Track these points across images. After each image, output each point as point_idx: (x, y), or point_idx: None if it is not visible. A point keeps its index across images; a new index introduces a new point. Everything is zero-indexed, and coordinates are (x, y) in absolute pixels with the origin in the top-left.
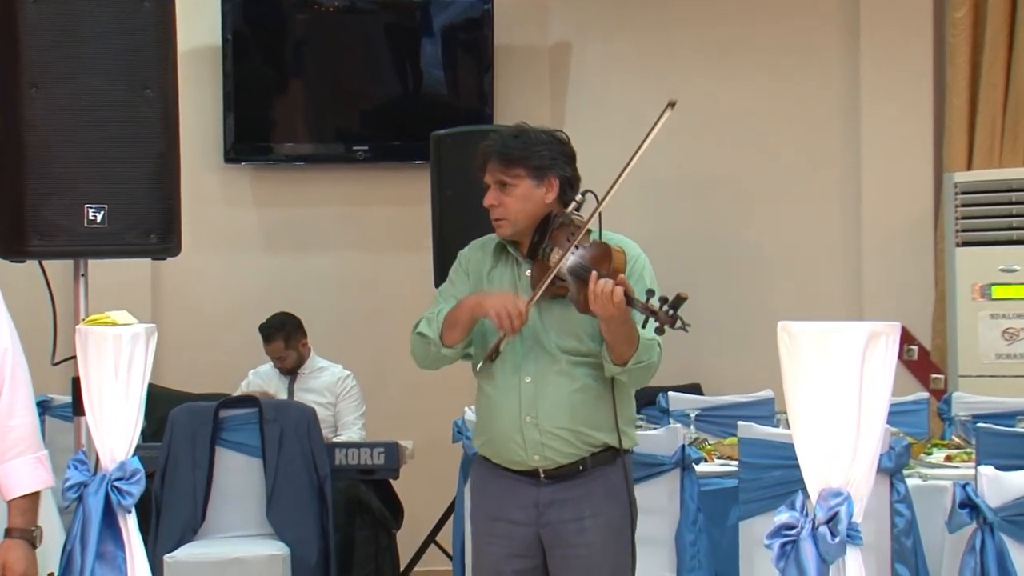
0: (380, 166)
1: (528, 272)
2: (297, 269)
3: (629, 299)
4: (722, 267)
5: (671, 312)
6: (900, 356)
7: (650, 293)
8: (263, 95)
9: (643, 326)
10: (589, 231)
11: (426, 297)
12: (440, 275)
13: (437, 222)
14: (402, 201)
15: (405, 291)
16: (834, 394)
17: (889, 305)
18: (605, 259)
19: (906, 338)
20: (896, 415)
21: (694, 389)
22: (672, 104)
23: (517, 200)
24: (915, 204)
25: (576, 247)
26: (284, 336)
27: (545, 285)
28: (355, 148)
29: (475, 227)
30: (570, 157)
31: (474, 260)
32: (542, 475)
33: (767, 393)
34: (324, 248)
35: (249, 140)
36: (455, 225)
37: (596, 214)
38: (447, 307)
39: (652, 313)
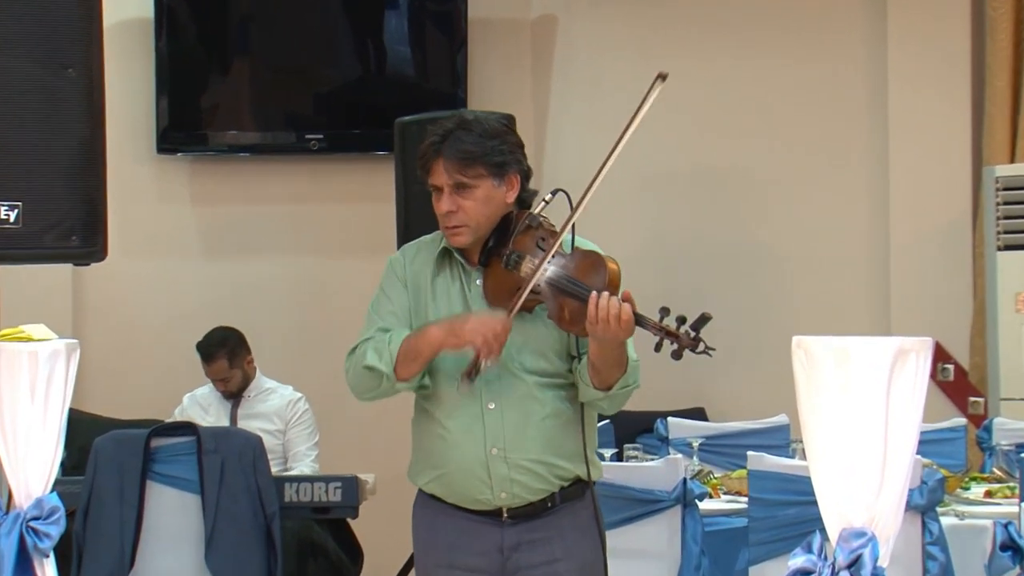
0: (337, 158)
1: (479, 282)
2: (241, 276)
3: (640, 319)
4: (729, 274)
5: (693, 334)
6: (933, 376)
7: (664, 311)
8: (202, 75)
9: (656, 349)
10: (556, 234)
11: None
12: None
13: (402, 222)
14: (362, 198)
15: (366, 302)
16: (857, 420)
17: (920, 317)
18: (597, 271)
19: (940, 355)
20: (928, 444)
21: (697, 414)
22: (663, 77)
23: (479, 204)
24: (950, 202)
25: (553, 255)
26: (227, 354)
27: (523, 298)
28: (308, 137)
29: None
30: (522, 147)
31: (412, 268)
32: (505, 514)
33: (781, 419)
34: (272, 252)
35: (185, 127)
36: (423, 225)
37: (573, 217)
38: (398, 333)
39: (669, 335)
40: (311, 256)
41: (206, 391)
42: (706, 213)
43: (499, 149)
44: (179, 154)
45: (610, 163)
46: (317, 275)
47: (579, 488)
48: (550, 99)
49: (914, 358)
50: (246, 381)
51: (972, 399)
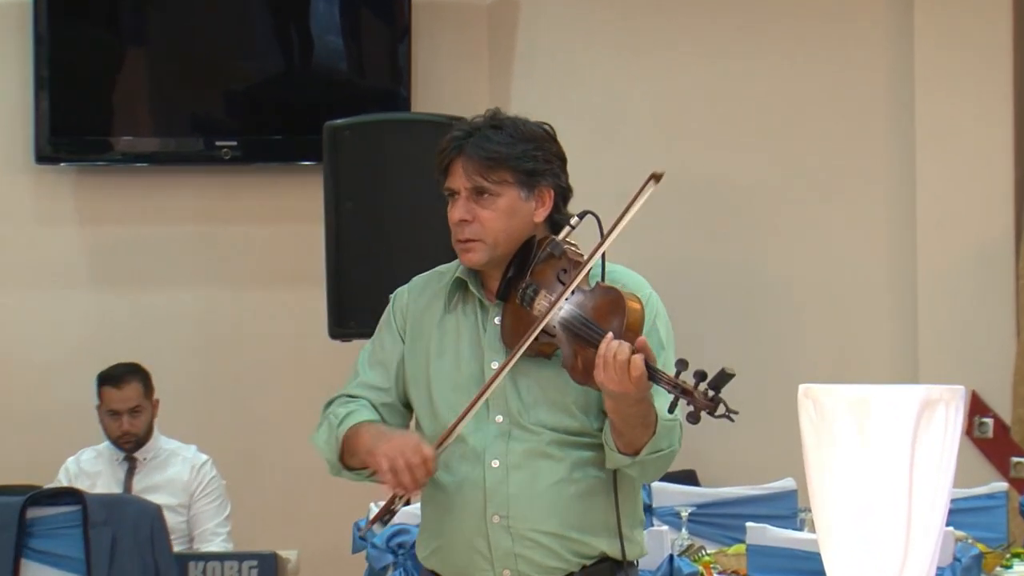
0: (254, 168)
1: (498, 320)
2: (137, 311)
3: (652, 372)
4: (726, 309)
5: (712, 394)
6: (968, 432)
7: (681, 364)
8: (91, 71)
9: (670, 410)
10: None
11: (316, 351)
12: (337, 319)
13: (333, 245)
14: (285, 217)
15: (287, 342)
16: (876, 484)
17: (953, 361)
18: (615, 312)
19: (976, 407)
20: (963, 513)
21: (687, 478)
22: (657, 178)
23: (499, 215)
24: (988, 224)
25: (572, 291)
26: (142, 380)
27: (525, 346)
28: (219, 144)
29: (385, 252)
30: (564, 161)
31: (415, 306)
32: None
33: (786, 483)
34: (175, 282)
35: (71, 132)
36: (357, 249)
37: (602, 247)
38: (355, 414)
39: (685, 394)
40: (222, 287)
41: (91, 456)
42: (697, 237)
43: (532, 155)
44: (63, 164)
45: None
46: (229, 310)
47: (607, 569)
48: (510, 99)
49: (944, 410)
50: (148, 432)
51: (1015, 460)
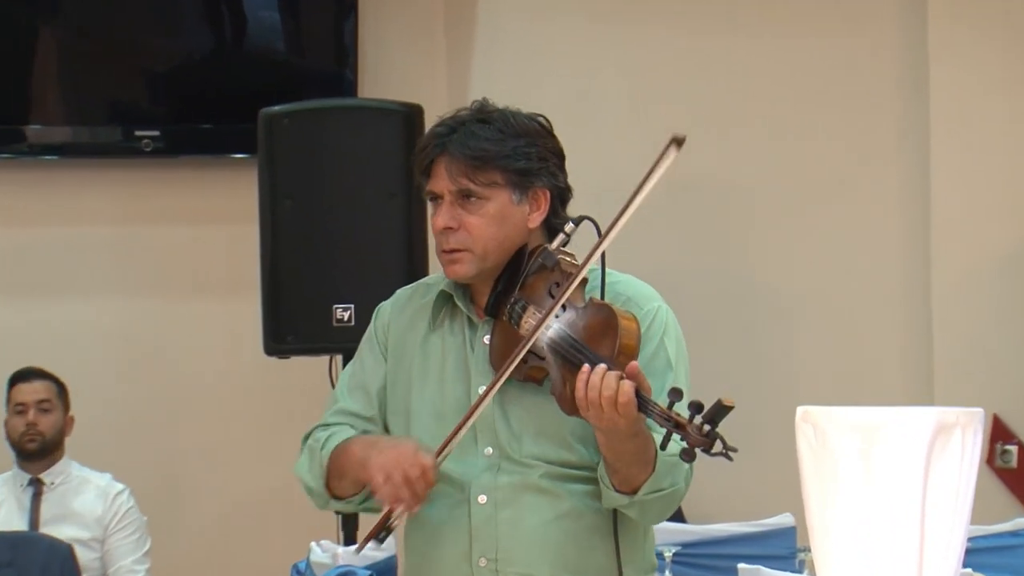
0: (179, 162)
1: (487, 339)
2: (46, 323)
3: (643, 403)
4: (715, 324)
5: (708, 428)
6: (989, 461)
7: (675, 394)
8: None
9: (662, 446)
10: (585, 280)
11: (249, 369)
12: (273, 333)
13: (269, 250)
14: (213, 217)
15: (216, 359)
16: (884, 519)
17: (971, 382)
18: (607, 332)
19: (999, 433)
20: (982, 553)
21: (673, 513)
22: (678, 142)
23: (489, 222)
24: (1012, 227)
25: (563, 307)
26: (56, 383)
27: (509, 370)
28: (139, 134)
29: (329, 258)
30: (561, 158)
31: (397, 323)
32: None
33: (784, 519)
34: (90, 290)
35: None
36: (297, 254)
37: (596, 254)
38: (338, 434)
39: (678, 428)
40: (143, 297)
41: None
42: (681, 243)
43: (524, 152)
44: None
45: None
46: (151, 323)
47: None
48: (470, 83)
49: (960, 436)
50: (57, 443)
51: None
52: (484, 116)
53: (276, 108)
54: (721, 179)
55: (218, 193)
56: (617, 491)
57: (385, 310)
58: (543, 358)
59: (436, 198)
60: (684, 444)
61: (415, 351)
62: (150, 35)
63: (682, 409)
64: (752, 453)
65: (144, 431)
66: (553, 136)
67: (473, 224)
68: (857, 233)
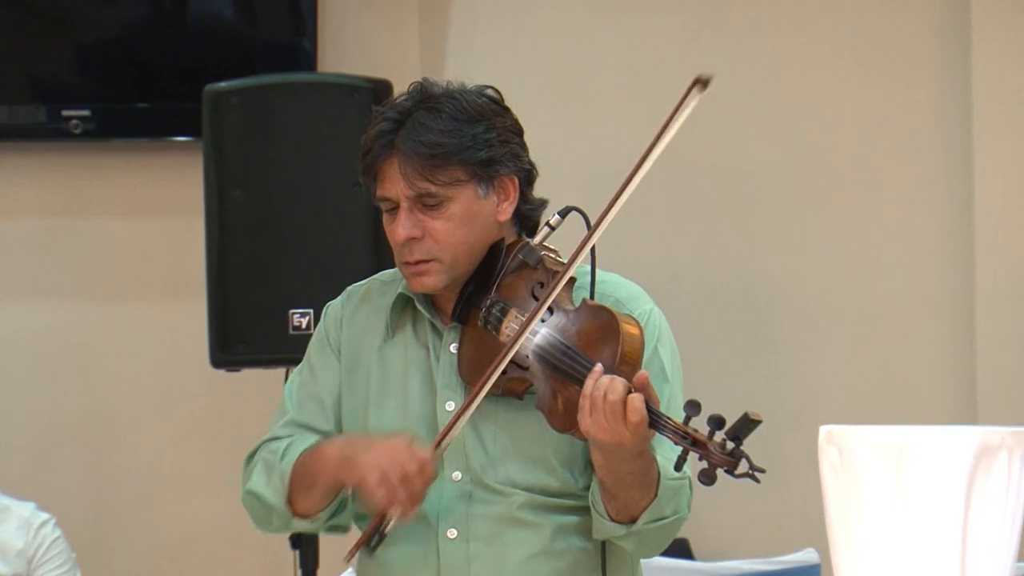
0: (113, 146)
1: (454, 347)
2: None
3: (655, 418)
4: (729, 334)
5: (732, 447)
6: None
7: (692, 407)
8: None
9: (677, 466)
10: (573, 279)
11: (193, 383)
12: (220, 342)
13: (216, 246)
14: (152, 209)
15: (156, 371)
16: (919, 554)
17: (1019, 399)
18: (607, 339)
19: None
20: None
21: (678, 548)
22: (703, 83)
23: (456, 225)
24: None
25: (550, 310)
26: None
27: (490, 382)
28: (67, 114)
29: (284, 256)
30: (520, 133)
31: (352, 326)
32: None
33: (807, 556)
34: (10, 291)
35: None
36: (248, 252)
37: (586, 248)
38: (299, 443)
39: (697, 446)
40: (71, 299)
41: None
42: (690, 240)
43: (485, 139)
44: None
45: (635, 183)
46: (81, 329)
47: None
48: (446, 54)
49: (1007, 459)
50: None
51: None
52: (432, 103)
53: (223, 84)
54: (735, 168)
55: (157, 182)
56: (613, 520)
57: (336, 310)
58: (526, 368)
59: (389, 205)
60: (704, 464)
61: (372, 360)
62: (78, 1)
63: (699, 425)
64: (769, 480)
65: (71, 453)
66: (508, 110)
67: (439, 230)
68: (890, 230)
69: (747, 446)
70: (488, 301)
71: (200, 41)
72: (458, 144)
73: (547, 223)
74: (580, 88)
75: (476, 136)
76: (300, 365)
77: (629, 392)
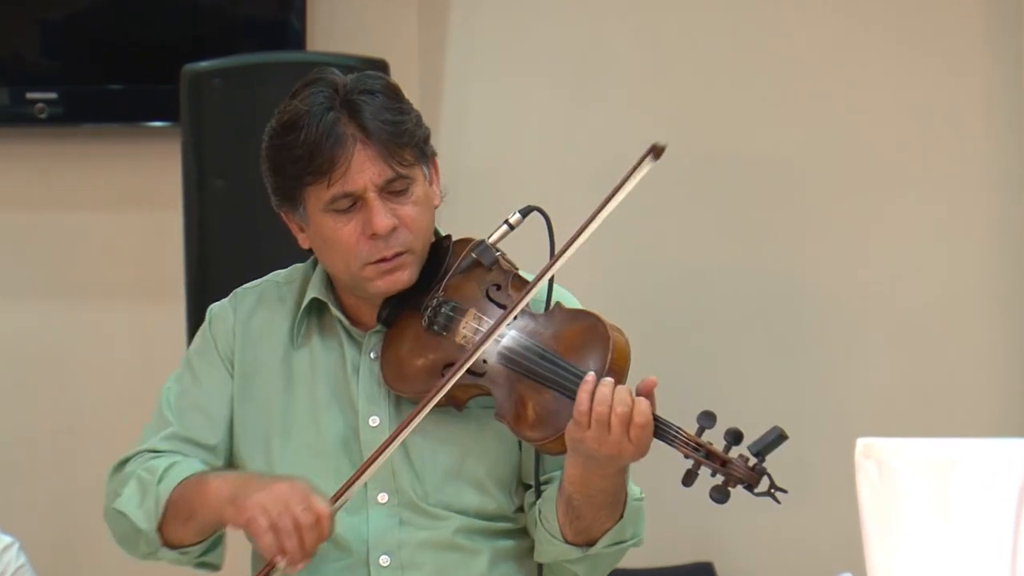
0: (83, 132)
1: (374, 354)
2: None
3: (663, 428)
4: (754, 337)
5: (755, 462)
6: None
7: (707, 419)
8: None
9: (686, 481)
10: (524, 282)
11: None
12: None
13: (195, 240)
14: (126, 200)
15: (131, 378)
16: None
17: None
18: (593, 345)
19: None
20: None
21: (703, 573)
22: (656, 153)
23: (422, 210)
24: None
25: (515, 314)
26: None
27: (449, 384)
28: (31, 97)
29: (268, 250)
30: None
31: (246, 332)
32: None
33: None
34: None
35: None
36: (229, 246)
37: (563, 254)
38: (182, 465)
39: (713, 459)
40: (38, 299)
41: None
42: (714, 236)
43: (417, 117)
44: None
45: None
46: (48, 331)
47: None
48: (447, 32)
49: None
50: None
51: None
52: (358, 86)
53: (204, 64)
54: (762, 160)
55: (131, 171)
56: (567, 542)
57: (224, 313)
58: (481, 374)
59: (350, 200)
60: (718, 480)
61: (275, 370)
62: None
63: (714, 439)
64: (801, 498)
65: (37, 467)
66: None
67: (410, 216)
68: (934, 225)
69: (771, 460)
70: (435, 301)
71: (178, 17)
72: (410, 122)
73: (506, 221)
74: (590, 67)
75: (414, 115)
76: (178, 372)
77: (637, 398)
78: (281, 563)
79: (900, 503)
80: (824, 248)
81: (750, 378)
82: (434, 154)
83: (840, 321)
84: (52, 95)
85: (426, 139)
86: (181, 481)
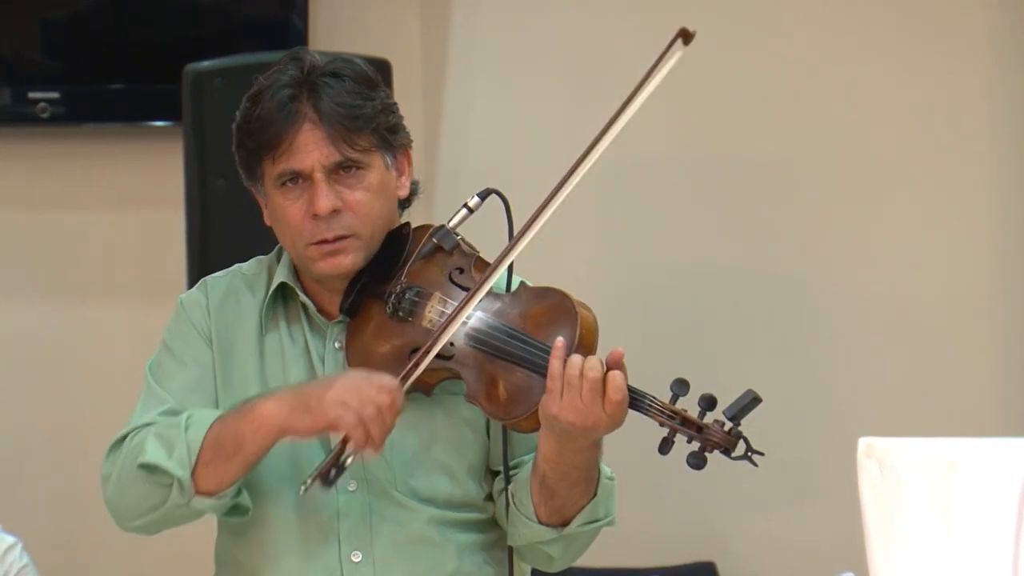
0: (84, 131)
1: (338, 344)
2: None
3: (637, 398)
4: (756, 336)
5: (730, 426)
6: None
7: (681, 386)
8: None
9: (663, 449)
10: (485, 264)
11: None
12: None
13: (197, 240)
14: (128, 199)
15: (132, 377)
16: None
17: None
18: (560, 321)
19: None
20: None
21: (705, 572)
22: (686, 37)
23: (374, 196)
24: None
25: (480, 296)
26: None
27: (422, 366)
28: (33, 96)
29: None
30: None
31: (220, 317)
32: None
33: None
34: None
35: None
36: (232, 246)
37: (524, 236)
38: (201, 414)
39: (687, 425)
40: (39, 298)
41: None
42: (716, 233)
43: (388, 105)
44: None
45: (584, 168)
46: (49, 331)
47: None
48: (450, 32)
49: None
50: None
51: None
52: (329, 68)
53: (205, 64)
54: (766, 158)
55: (133, 170)
56: (540, 523)
57: (197, 299)
58: (448, 357)
59: (298, 179)
60: (694, 447)
61: (249, 357)
62: None
63: (688, 405)
64: (802, 498)
65: (40, 468)
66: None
67: (359, 201)
68: (936, 222)
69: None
70: (397, 287)
71: (179, 17)
72: (372, 108)
73: (465, 205)
74: (591, 67)
75: (383, 102)
76: (155, 361)
77: (611, 371)
78: (359, 452)
79: (902, 503)
80: (825, 248)
81: (751, 378)
82: (404, 145)
83: (841, 321)
84: (54, 95)
85: (393, 128)
86: (212, 423)
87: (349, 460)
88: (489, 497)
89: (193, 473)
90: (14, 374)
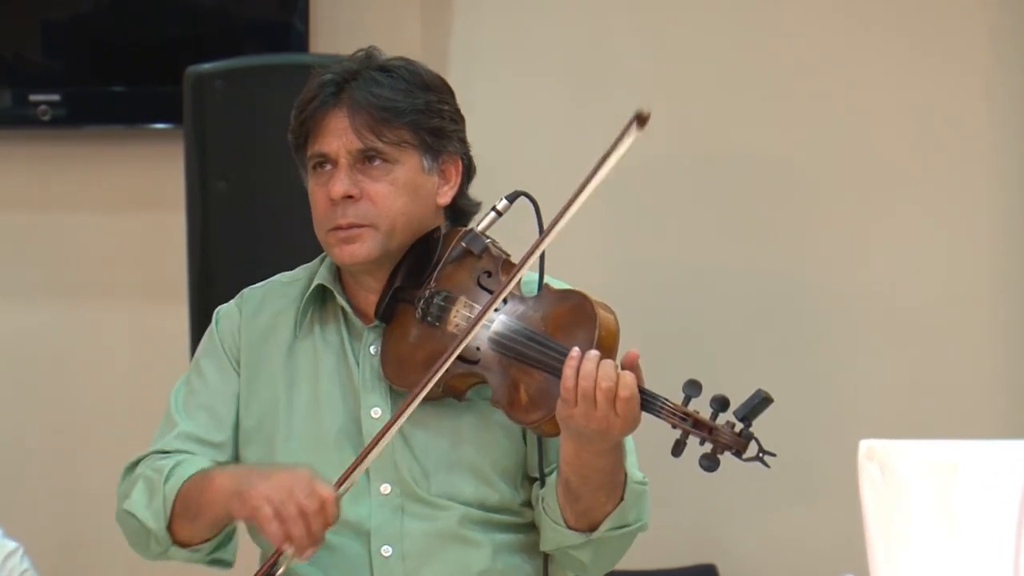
0: (85, 134)
1: (374, 349)
2: None
3: (649, 399)
4: (756, 338)
5: (741, 427)
6: None
7: (693, 387)
8: None
9: (675, 451)
10: (511, 264)
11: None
12: None
13: (198, 242)
14: (129, 202)
15: (133, 379)
16: None
17: None
18: (580, 323)
19: None
20: None
21: (705, 574)
22: (641, 120)
23: (398, 191)
24: None
25: (504, 299)
26: None
27: (441, 371)
28: (34, 99)
29: (270, 252)
30: (464, 123)
31: (251, 329)
32: None
33: None
34: None
35: None
36: (233, 248)
37: (546, 238)
38: (188, 463)
39: (699, 427)
40: (40, 301)
41: None
42: (716, 235)
43: (438, 109)
44: None
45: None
46: (50, 334)
47: None
48: (451, 34)
49: None
50: None
51: None
52: (383, 64)
53: (206, 66)
54: (766, 158)
55: (134, 173)
56: (569, 527)
57: (231, 314)
58: (475, 362)
59: (325, 163)
60: (706, 448)
61: (278, 366)
62: None
63: (700, 407)
64: (804, 500)
65: (40, 471)
66: (453, 95)
67: (379, 193)
68: (937, 223)
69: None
70: (427, 292)
71: (180, 19)
72: (411, 105)
73: (493, 208)
74: (592, 67)
75: (429, 103)
76: (187, 374)
77: (622, 372)
78: (289, 551)
79: (903, 505)
80: (825, 248)
81: (751, 379)
82: (453, 153)
83: (841, 322)
84: (54, 97)
85: (436, 131)
86: (187, 479)
87: (281, 569)
88: (528, 503)
89: (169, 525)
90: (14, 375)
